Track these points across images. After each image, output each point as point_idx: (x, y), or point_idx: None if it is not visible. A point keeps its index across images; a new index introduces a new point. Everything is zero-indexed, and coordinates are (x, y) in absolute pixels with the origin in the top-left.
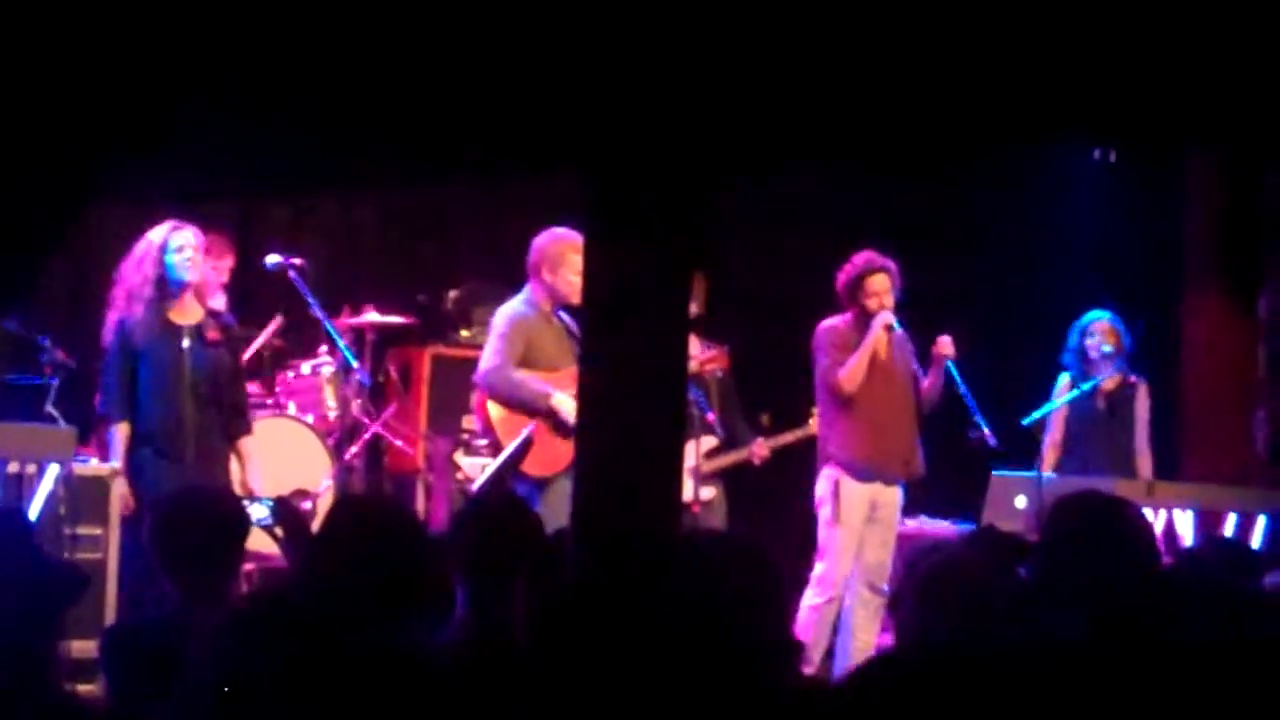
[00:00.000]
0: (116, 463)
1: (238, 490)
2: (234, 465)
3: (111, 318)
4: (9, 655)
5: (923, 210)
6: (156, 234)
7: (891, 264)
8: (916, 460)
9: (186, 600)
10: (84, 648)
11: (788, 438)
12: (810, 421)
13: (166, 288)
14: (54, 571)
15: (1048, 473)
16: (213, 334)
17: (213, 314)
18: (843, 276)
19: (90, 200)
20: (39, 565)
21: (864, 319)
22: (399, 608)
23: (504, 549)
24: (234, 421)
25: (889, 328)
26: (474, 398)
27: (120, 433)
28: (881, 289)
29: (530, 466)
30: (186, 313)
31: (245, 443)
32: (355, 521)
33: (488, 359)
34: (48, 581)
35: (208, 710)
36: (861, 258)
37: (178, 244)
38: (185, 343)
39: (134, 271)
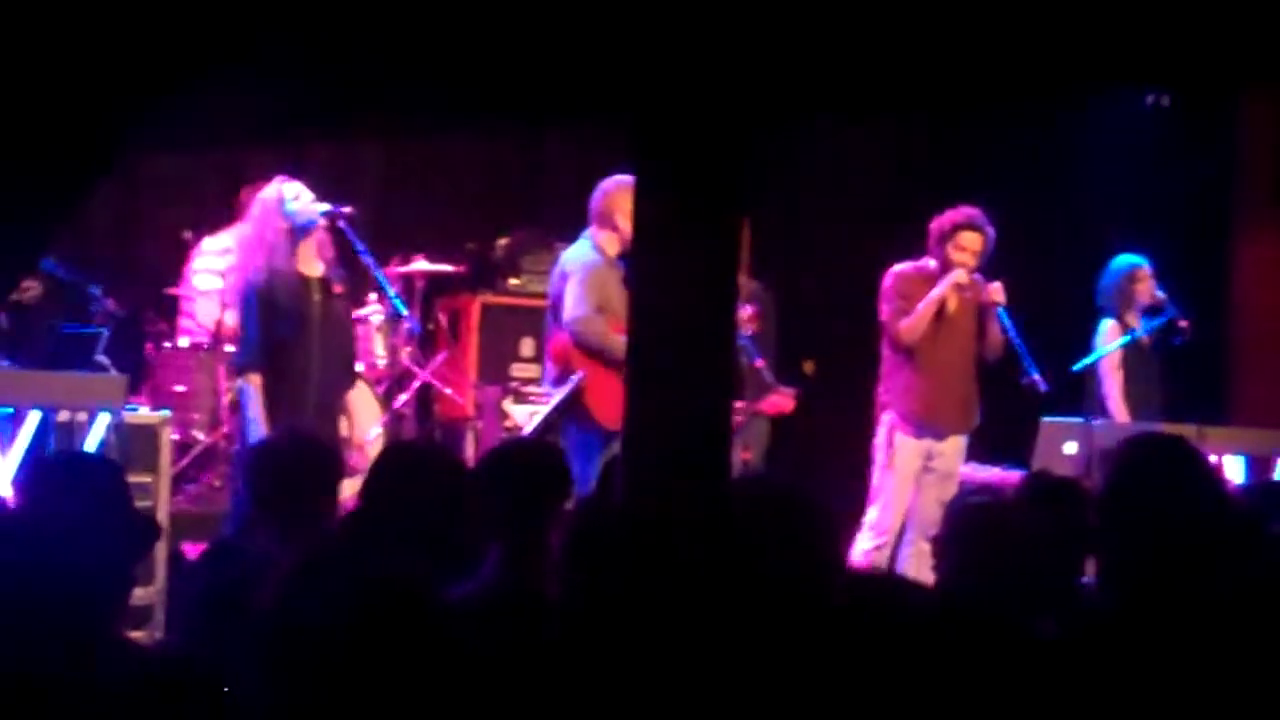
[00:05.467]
0: (256, 412)
1: (346, 439)
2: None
3: (242, 268)
4: (93, 602)
5: (973, 156)
6: (269, 191)
7: (991, 230)
8: (973, 413)
9: (282, 535)
10: (136, 594)
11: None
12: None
13: (296, 237)
14: (137, 519)
15: (1116, 419)
16: (338, 287)
17: (332, 265)
18: (940, 222)
19: (126, 139)
20: (126, 512)
21: (944, 268)
22: (444, 552)
23: (538, 496)
24: (347, 374)
25: (959, 287)
26: (550, 343)
27: (256, 384)
28: (971, 246)
29: (604, 416)
30: (313, 266)
31: (349, 395)
32: (404, 466)
33: (575, 307)
34: (132, 528)
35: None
36: (965, 210)
37: (293, 193)
38: (316, 296)
39: (262, 228)
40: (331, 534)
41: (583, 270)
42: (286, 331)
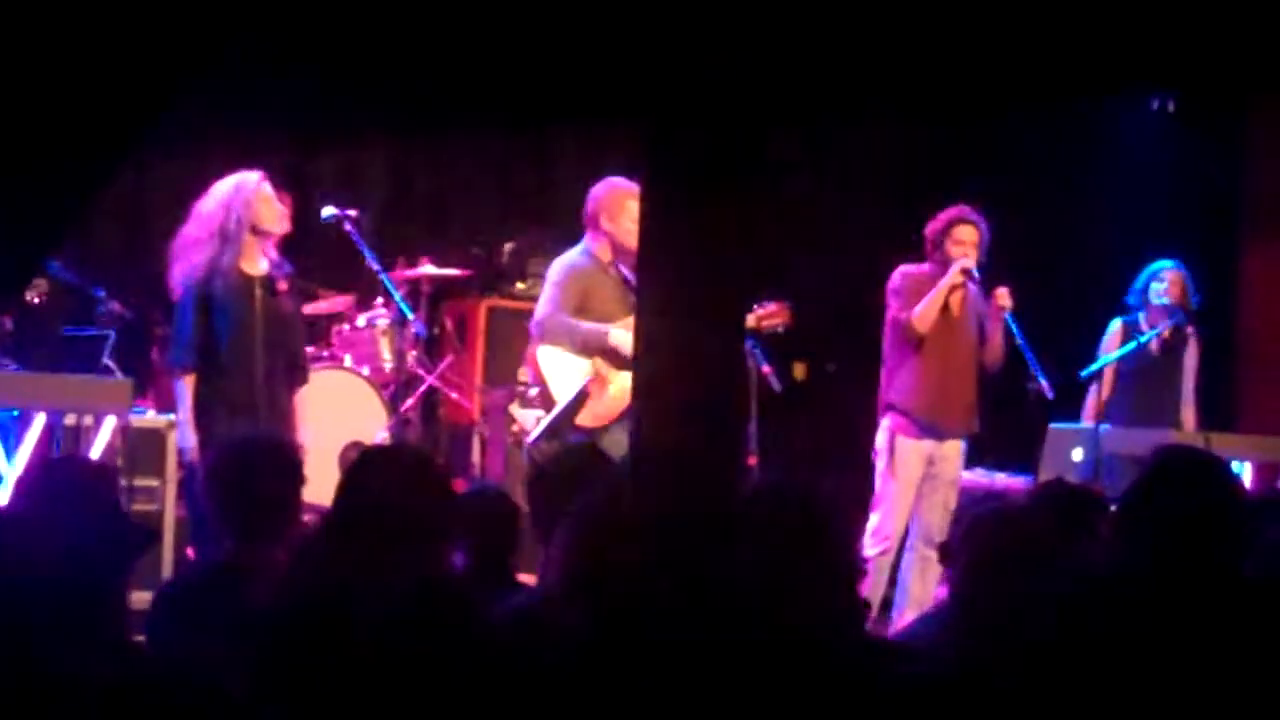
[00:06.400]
0: (185, 414)
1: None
2: None
3: (183, 264)
4: (80, 605)
5: (979, 161)
6: (248, 178)
7: (983, 222)
8: (974, 417)
9: (240, 545)
10: (143, 598)
11: None
12: None
13: (256, 234)
14: (127, 524)
15: (1090, 423)
16: (282, 285)
17: (276, 264)
18: (932, 224)
19: (138, 143)
20: (115, 516)
21: (945, 268)
22: (425, 554)
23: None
24: (293, 373)
25: (966, 272)
26: (528, 349)
27: (189, 384)
28: (968, 239)
29: (582, 418)
30: (256, 264)
31: (298, 394)
32: (379, 469)
33: (543, 307)
34: (121, 534)
35: (266, 646)
36: (954, 209)
37: (267, 194)
38: (258, 294)
39: (225, 214)
40: (304, 540)
41: (560, 274)
42: (225, 331)
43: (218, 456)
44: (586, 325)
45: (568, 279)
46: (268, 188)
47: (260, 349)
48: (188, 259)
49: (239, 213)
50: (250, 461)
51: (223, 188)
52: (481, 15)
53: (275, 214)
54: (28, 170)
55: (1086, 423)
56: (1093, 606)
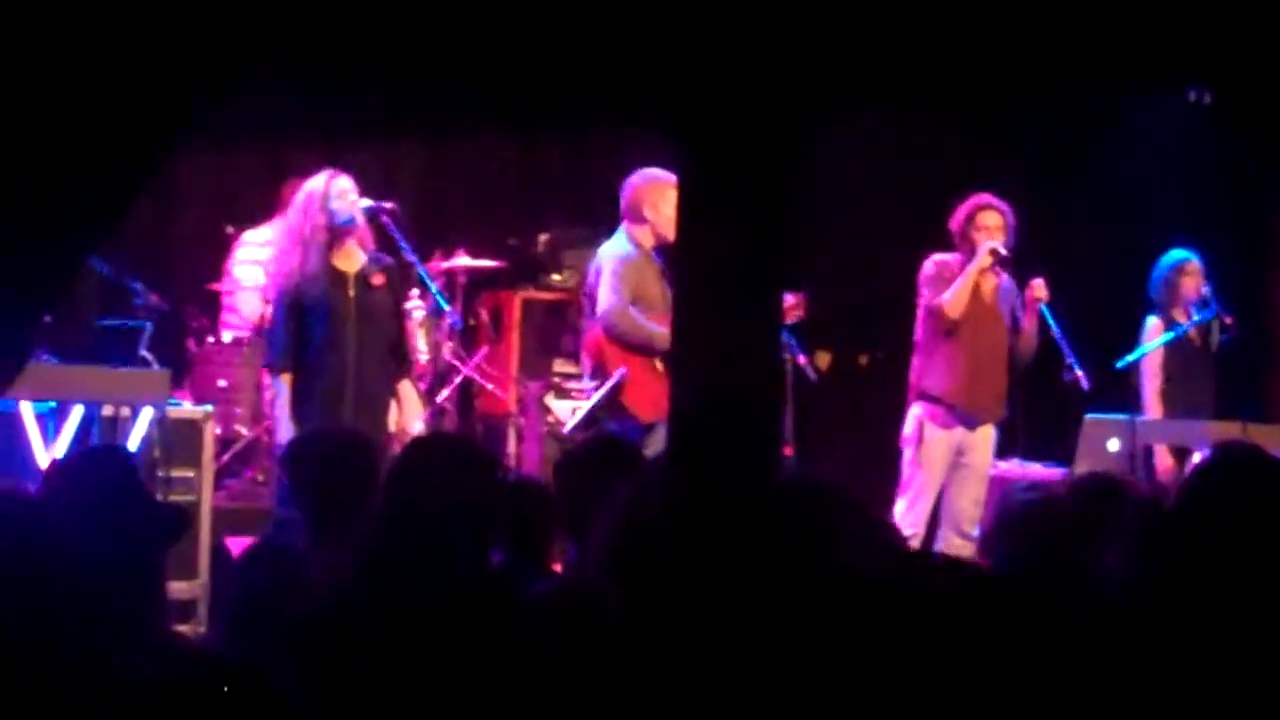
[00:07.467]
0: (283, 411)
1: (393, 431)
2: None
3: (277, 273)
4: (115, 592)
5: (1012, 152)
6: (316, 182)
7: (1006, 206)
8: (1004, 403)
9: (314, 534)
10: (179, 588)
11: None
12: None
13: (335, 232)
14: (158, 511)
15: (1158, 415)
16: (376, 279)
17: (374, 257)
18: (955, 216)
19: (180, 135)
20: (144, 504)
21: (974, 256)
22: (475, 543)
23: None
24: (394, 362)
25: (995, 254)
26: (585, 336)
27: (286, 382)
28: (993, 224)
29: (639, 409)
30: (351, 259)
31: (402, 385)
32: (428, 459)
33: (606, 298)
34: (152, 520)
35: (315, 638)
36: (975, 197)
37: (339, 189)
38: (352, 291)
39: (302, 220)
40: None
41: (615, 263)
42: (319, 330)
43: (294, 449)
44: (651, 326)
45: (625, 269)
46: (340, 182)
47: (353, 343)
48: (283, 260)
49: (314, 218)
50: (324, 455)
51: (299, 196)
52: (515, 8)
53: (350, 206)
54: (68, 169)
55: (1152, 415)
56: (1143, 613)
